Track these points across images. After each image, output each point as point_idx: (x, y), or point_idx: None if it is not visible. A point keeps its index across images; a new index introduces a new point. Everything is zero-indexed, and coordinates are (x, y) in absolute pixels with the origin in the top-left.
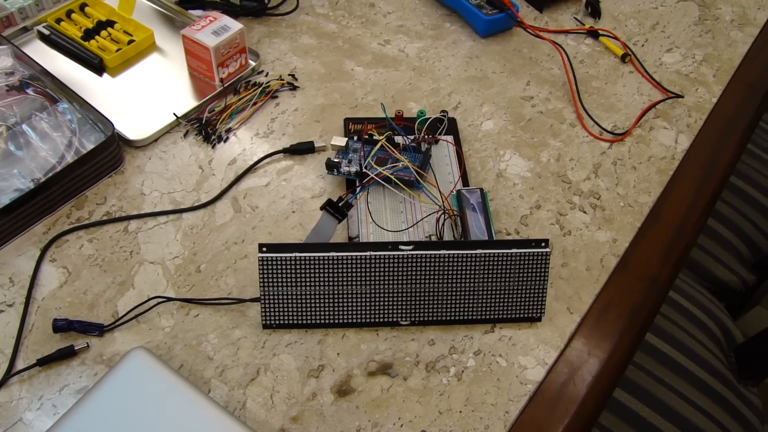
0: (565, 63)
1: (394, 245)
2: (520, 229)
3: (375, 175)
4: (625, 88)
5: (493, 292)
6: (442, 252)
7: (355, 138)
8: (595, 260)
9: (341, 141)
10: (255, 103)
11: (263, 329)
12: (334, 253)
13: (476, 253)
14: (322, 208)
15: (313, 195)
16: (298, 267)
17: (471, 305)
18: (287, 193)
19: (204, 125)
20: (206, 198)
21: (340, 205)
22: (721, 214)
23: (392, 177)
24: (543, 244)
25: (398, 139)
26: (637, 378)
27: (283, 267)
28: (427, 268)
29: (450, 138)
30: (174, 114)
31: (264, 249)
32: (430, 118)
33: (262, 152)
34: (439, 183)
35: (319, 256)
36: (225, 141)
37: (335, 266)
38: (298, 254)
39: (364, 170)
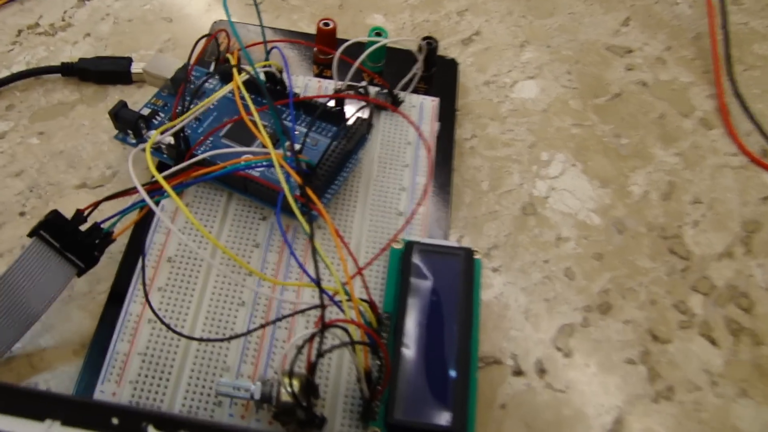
0: None
1: (128, 423)
2: (549, 364)
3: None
4: None
5: None
6: None
7: (213, 63)
8: None
9: (169, 66)
10: None
11: None
12: None
13: None
14: (33, 233)
15: (84, 181)
16: None
17: None
18: (30, 165)
19: None
20: None
21: (79, 233)
22: None
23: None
24: None
25: (315, 85)
26: None
27: None
28: None
29: (431, 104)
30: None
31: None
32: (393, 43)
33: (24, 64)
34: (370, 211)
35: None
36: None
37: None
38: None
39: (186, 146)
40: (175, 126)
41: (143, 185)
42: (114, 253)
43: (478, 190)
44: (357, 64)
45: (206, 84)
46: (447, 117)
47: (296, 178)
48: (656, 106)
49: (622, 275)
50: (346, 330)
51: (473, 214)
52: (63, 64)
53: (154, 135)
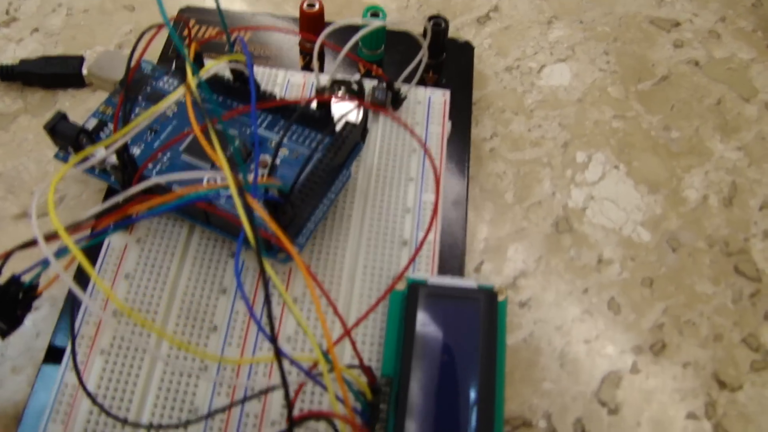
0: None
1: None
2: (592, 425)
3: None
4: None
5: None
6: None
7: (173, 64)
8: None
9: (118, 65)
10: None
11: None
12: None
13: None
14: None
15: (25, 209)
16: None
17: None
18: None
19: None
20: None
21: None
22: None
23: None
24: None
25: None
26: None
27: None
28: None
29: (441, 98)
30: None
31: None
32: (392, 26)
33: None
34: (367, 241)
35: None
36: None
37: None
38: None
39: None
40: (112, 144)
41: (85, 222)
42: (57, 298)
43: (501, 203)
44: (344, 51)
45: (163, 85)
46: (461, 112)
47: (259, 211)
48: (712, 89)
49: (678, 305)
50: (329, 420)
51: (496, 233)
52: (1, 67)
53: (67, 165)
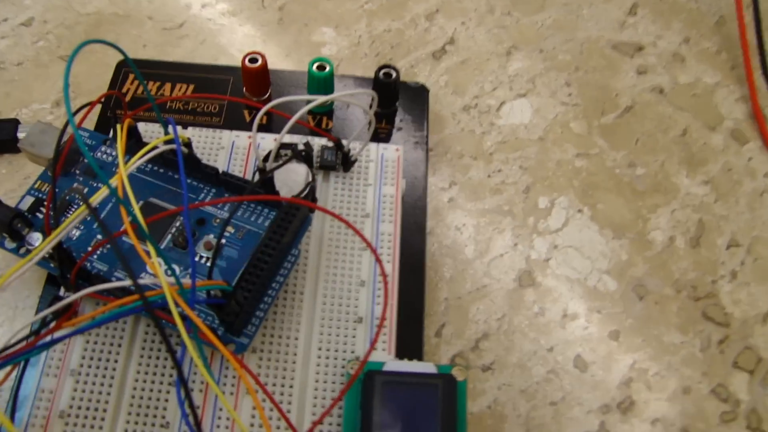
0: None
1: None
2: None
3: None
4: None
5: None
6: None
7: (113, 130)
8: None
9: (51, 141)
10: None
11: None
12: None
13: None
14: None
15: None
16: None
17: None
18: None
19: None
20: None
21: None
22: None
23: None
24: None
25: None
26: None
27: None
28: None
29: (394, 154)
30: None
31: None
32: (344, 71)
33: None
34: (320, 322)
35: None
36: None
37: None
38: None
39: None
40: (41, 248)
41: (24, 340)
42: (2, 396)
43: (461, 258)
44: (289, 125)
45: (101, 155)
46: (417, 163)
47: (197, 322)
48: (677, 119)
49: (646, 357)
50: None
51: (456, 293)
52: None
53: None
